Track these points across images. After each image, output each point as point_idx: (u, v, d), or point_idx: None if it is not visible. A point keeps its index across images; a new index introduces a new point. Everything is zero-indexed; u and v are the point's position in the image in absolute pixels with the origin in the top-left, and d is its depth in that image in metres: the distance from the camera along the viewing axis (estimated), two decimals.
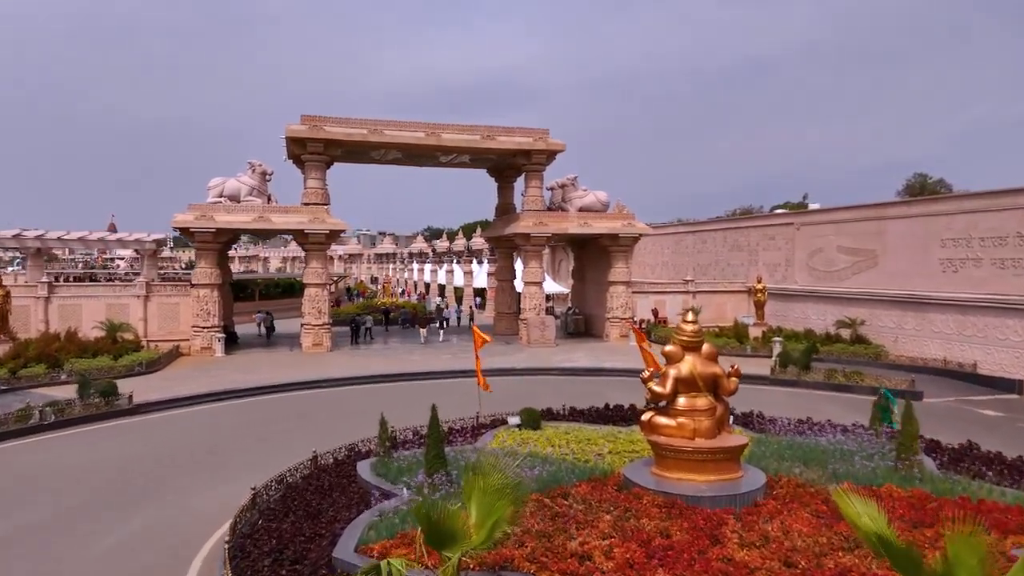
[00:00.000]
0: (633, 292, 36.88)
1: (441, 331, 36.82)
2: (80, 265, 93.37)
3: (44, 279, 31.14)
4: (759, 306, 33.30)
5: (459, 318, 45.18)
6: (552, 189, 37.47)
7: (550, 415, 16.88)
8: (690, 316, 11.67)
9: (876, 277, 30.41)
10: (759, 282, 33.48)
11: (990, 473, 12.17)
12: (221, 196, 31.72)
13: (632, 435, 14.80)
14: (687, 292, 38.68)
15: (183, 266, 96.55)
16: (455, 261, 60.75)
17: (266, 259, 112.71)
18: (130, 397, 19.90)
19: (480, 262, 58.12)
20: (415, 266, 77.12)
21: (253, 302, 47.45)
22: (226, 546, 9.21)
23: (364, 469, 12.40)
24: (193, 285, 30.86)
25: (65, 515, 12.13)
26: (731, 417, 12.68)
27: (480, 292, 56.63)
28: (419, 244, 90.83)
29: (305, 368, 27.02)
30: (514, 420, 15.61)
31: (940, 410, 20.46)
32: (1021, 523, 9.63)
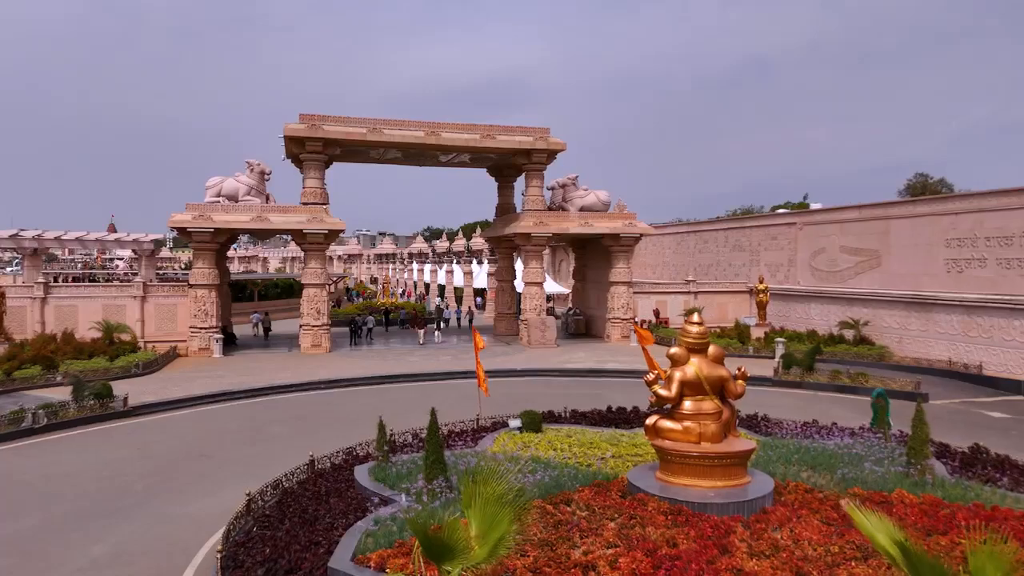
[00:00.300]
0: (634, 292, 36.61)
1: (437, 332, 36.27)
2: (80, 265, 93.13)
3: (40, 279, 30.85)
4: (761, 307, 33.04)
5: (459, 319, 44.92)
6: (552, 189, 37.19)
7: (551, 417, 16.60)
8: (695, 317, 11.38)
9: (880, 277, 30.13)
10: (761, 282, 33.21)
11: (1005, 479, 11.88)
12: (219, 196, 31.46)
13: (635, 438, 14.54)
14: (688, 292, 38.43)
15: (183, 266, 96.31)
16: (455, 261, 60.46)
17: (265, 259, 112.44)
18: (125, 399, 19.61)
19: (480, 262, 57.84)
20: (415, 266, 76.84)
21: (252, 303, 47.17)
22: (218, 555, 8.93)
23: (362, 474, 12.11)
24: (191, 286, 30.58)
25: (55, 521, 11.85)
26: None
27: (480, 292, 56.35)
28: (419, 244, 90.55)
29: (304, 369, 26.74)
30: (515, 423, 15.32)
31: (946, 412, 20.18)
32: None
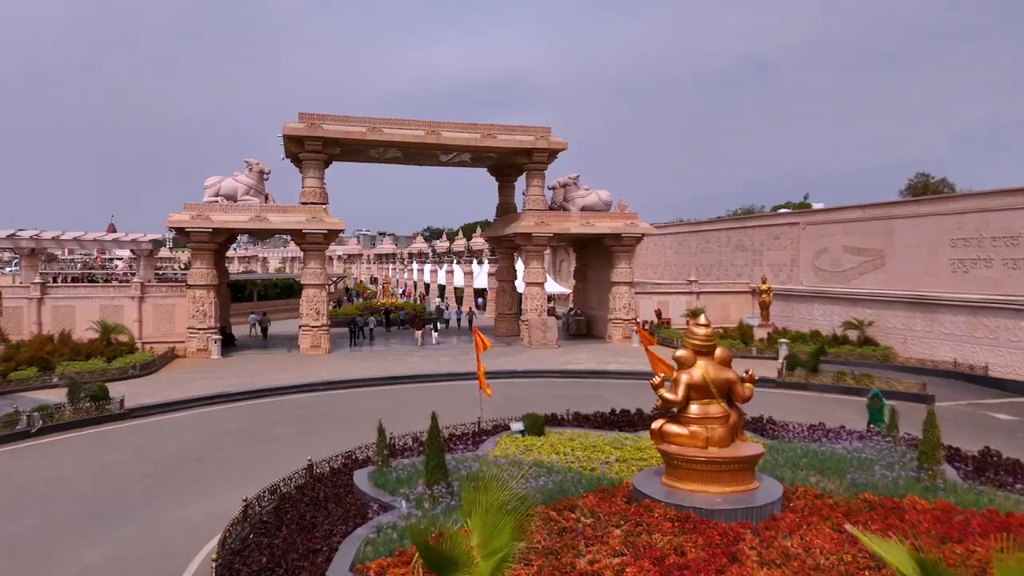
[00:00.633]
0: (636, 293, 36.37)
1: (435, 333, 35.58)
2: (79, 266, 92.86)
3: (37, 280, 30.60)
4: (764, 307, 32.77)
5: (459, 319, 44.66)
6: (553, 188, 36.94)
7: (554, 420, 16.35)
8: (702, 319, 11.14)
9: (884, 277, 29.89)
10: (764, 282, 32.96)
11: (1018, 485, 11.63)
12: (218, 195, 31.21)
13: (639, 441, 14.31)
14: (691, 293, 38.19)
15: (182, 266, 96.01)
16: (455, 262, 60.21)
17: (265, 259, 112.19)
18: (121, 401, 19.37)
19: (480, 263, 57.59)
20: (415, 266, 76.61)
21: (251, 303, 46.92)
22: (214, 564, 8.69)
23: (361, 479, 11.87)
24: (189, 286, 30.33)
25: (49, 526, 11.61)
26: None
27: (481, 293, 56.10)
28: (419, 244, 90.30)
29: (303, 370, 26.50)
30: (517, 426, 15.08)
31: (953, 414, 19.92)
32: None
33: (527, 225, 33.90)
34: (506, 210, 40.07)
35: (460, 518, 9.60)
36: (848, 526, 9.40)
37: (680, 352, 10.93)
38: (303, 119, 31.42)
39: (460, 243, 73.05)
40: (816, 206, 44.45)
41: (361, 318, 38.40)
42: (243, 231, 34.31)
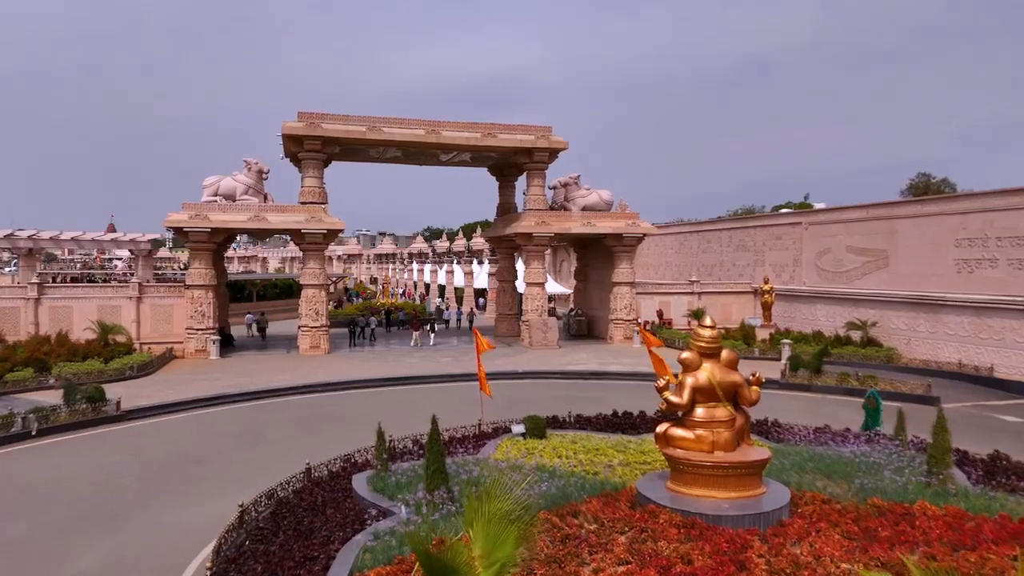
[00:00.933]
0: (637, 293, 36.16)
1: (432, 334, 35.06)
2: (79, 266, 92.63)
3: (34, 280, 30.38)
4: (766, 307, 32.55)
5: (459, 320, 44.42)
6: (554, 188, 36.73)
7: (556, 423, 16.13)
8: (707, 320, 10.92)
9: (887, 278, 29.67)
10: (766, 283, 32.74)
11: None
12: (216, 195, 31.00)
13: (642, 444, 14.09)
14: (692, 293, 37.97)
15: (182, 266, 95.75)
16: (455, 262, 60.00)
17: (264, 259, 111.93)
18: (118, 403, 19.14)
19: (480, 263, 57.37)
20: (415, 267, 76.40)
21: (251, 303, 46.71)
22: (208, 572, 8.47)
23: (360, 483, 11.65)
24: (187, 286, 30.11)
25: (42, 531, 11.39)
26: None
27: (481, 293, 55.88)
28: (419, 244, 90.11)
29: (302, 371, 26.29)
30: (518, 428, 14.86)
31: (959, 416, 19.70)
32: None
33: (528, 225, 33.69)
34: (506, 210, 39.85)
35: (460, 524, 9.40)
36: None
37: (685, 354, 10.70)
38: (302, 118, 31.20)
39: (460, 243, 72.86)
40: (818, 206, 44.28)
41: (362, 318, 38.20)
42: (242, 231, 34.10)
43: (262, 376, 25.16)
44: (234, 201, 30.96)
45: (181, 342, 29.85)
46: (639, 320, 35.39)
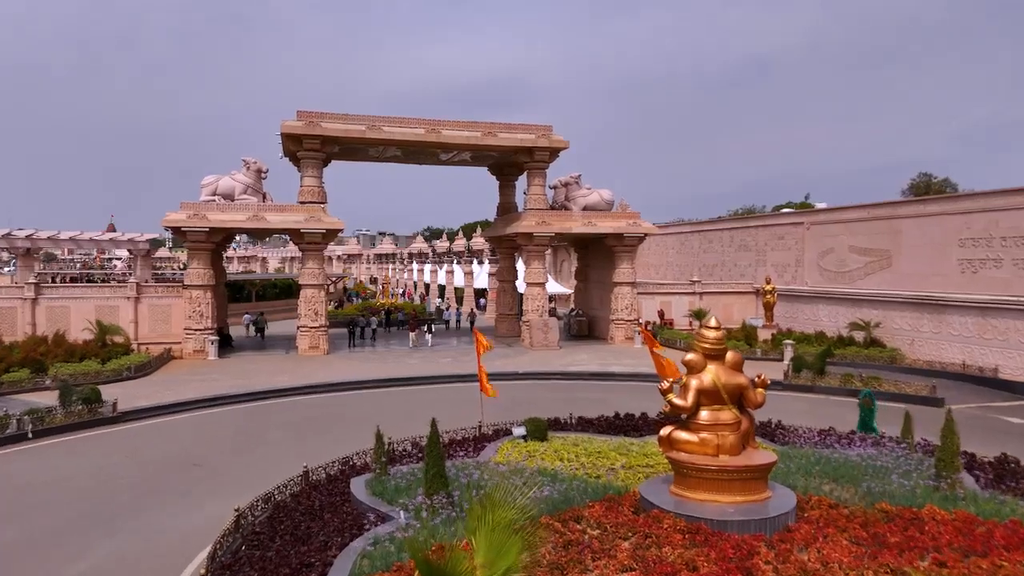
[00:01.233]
0: (638, 293, 35.96)
1: (429, 335, 34.55)
2: (79, 265, 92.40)
3: (31, 280, 30.18)
4: (768, 307, 32.35)
5: (459, 320, 44.19)
6: (555, 188, 36.53)
7: (557, 425, 15.95)
8: (712, 321, 10.72)
9: (890, 278, 29.47)
10: (768, 283, 32.55)
11: None
12: (214, 194, 30.81)
13: (645, 447, 13.89)
14: (694, 293, 37.77)
15: (181, 266, 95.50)
16: (455, 262, 59.80)
17: (264, 259, 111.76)
18: (114, 405, 18.95)
19: (481, 263, 57.17)
20: (415, 267, 76.21)
21: (250, 303, 46.51)
22: None
23: (358, 487, 11.44)
24: (185, 286, 29.92)
25: (35, 535, 11.21)
26: None
27: (481, 293, 55.69)
28: (419, 244, 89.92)
29: (300, 372, 26.10)
30: (519, 430, 14.66)
31: (964, 418, 19.41)
32: None
33: (528, 225, 33.49)
34: (507, 209, 39.66)
35: (460, 529, 9.20)
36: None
37: (690, 356, 10.51)
38: (301, 117, 31.01)
39: (460, 243, 72.62)
40: (819, 205, 44.06)
41: (362, 318, 38.01)
42: (240, 231, 33.92)
43: (260, 377, 24.97)
44: (233, 201, 30.77)
45: (179, 342, 29.66)
46: (639, 319, 35.20)
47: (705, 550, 8.66)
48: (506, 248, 39.67)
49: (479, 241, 63.66)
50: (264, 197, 31.89)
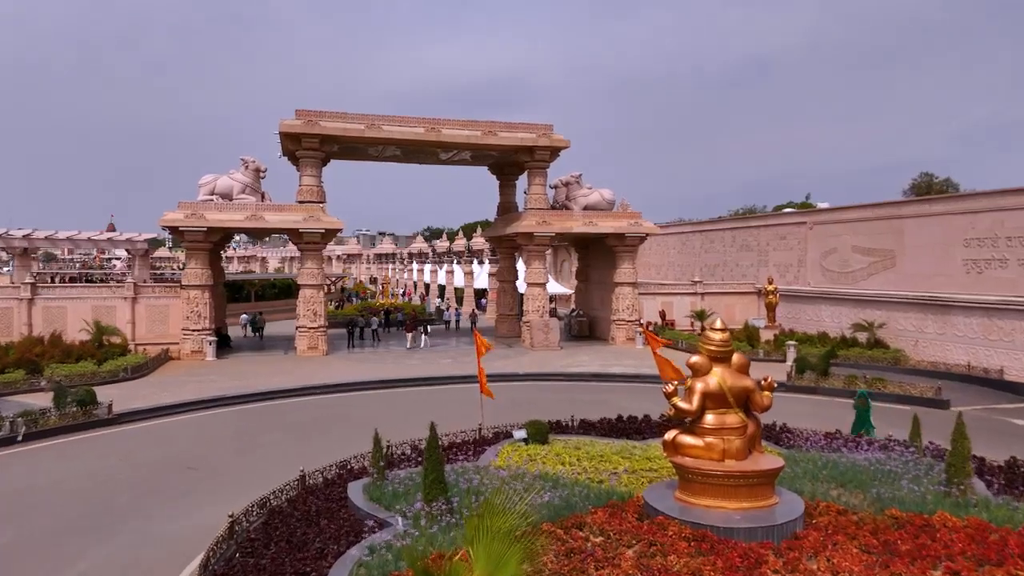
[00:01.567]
0: (639, 293, 35.71)
1: (425, 336, 34.01)
2: (79, 265, 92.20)
3: (28, 280, 29.93)
4: (770, 308, 32.13)
5: (458, 320, 43.90)
6: (555, 187, 36.30)
7: (558, 427, 15.69)
8: (718, 323, 10.47)
9: (894, 278, 29.22)
10: (770, 283, 32.31)
11: None
12: (212, 194, 30.57)
13: (648, 450, 13.66)
14: (695, 294, 37.52)
15: (181, 266, 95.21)
16: (455, 262, 59.56)
17: (264, 259, 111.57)
18: (110, 406, 18.70)
19: (481, 263, 56.92)
20: (415, 267, 76.00)
21: (249, 303, 46.27)
22: None
23: (356, 492, 11.20)
24: (183, 286, 29.68)
25: (25, 541, 10.96)
26: None
27: (481, 293, 55.46)
28: (419, 244, 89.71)
29: (299, 373, 25.85)
30: (519, 434, 14.42)
31: (969, 420, 18.89)
32: None
33: (529, 224, 33.25)
34: (507, 209, 39.41)
35: (460, 537, 8.95)
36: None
37: (695, 358, 10.26)
38: (300, 116, 30.77)
39: (460, 243, 72.40)
40: (821, 205, 43.83)
41: (361, 319, 37.76)
42: (238, 230, 33.68)
43: (258, 378, 24.73)
44: (231, 200, 30.54)
45: (177, 343, 29.41)
46: (642, 321, 34.96)
47: (711, 558, 8.43)
48: (506, 248, 39.42)
49: (479, 241, 63.45)
50: (263, 196, 31.65)
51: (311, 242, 30.89)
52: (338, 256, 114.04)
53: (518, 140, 33.18)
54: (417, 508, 9.90)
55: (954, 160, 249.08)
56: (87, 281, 53.69)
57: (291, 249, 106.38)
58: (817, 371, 23.28)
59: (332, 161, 36.04)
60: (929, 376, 24.42)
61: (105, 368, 24.30)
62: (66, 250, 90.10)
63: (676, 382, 10.99)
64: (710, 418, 10.03)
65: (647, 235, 35.34)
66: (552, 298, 43.03)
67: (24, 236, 39.09)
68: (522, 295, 36.42)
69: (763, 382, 10.38)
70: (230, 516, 10.00)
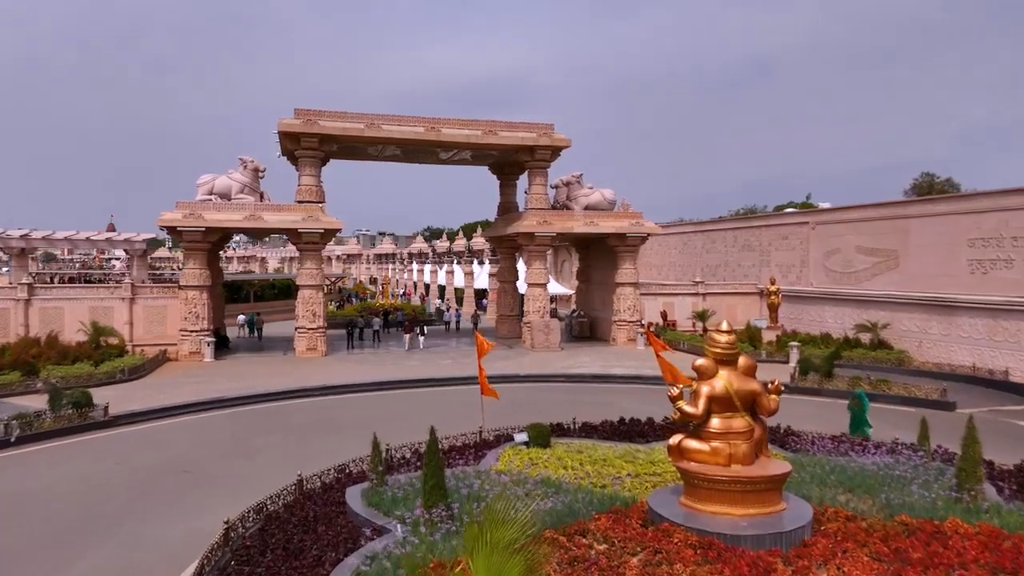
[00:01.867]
0: (640, 294, 35.49)
1: (421, 338, 33.67)
2: (78, 266, 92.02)
3: (24, 280, 29.71)
4: (773, 308, 31.91)
5: (458, 321, 43.65)
6: (556, 187, 36.09)
7: (560, 430, 15.46)
8: (724, 325, 10.24)
9: (898, 278, 29.00)
10: (772, 283, 32.08)
11: None
12: (211, 194, 30.36)
13: (652, 454, 13.42)
14: (697, 294, 37.31)
15: (180, 266, 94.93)
16: (455, 262, 59.33)
17: (264, 259, 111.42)
18: (106, 408, 18.47)
19: (481, 263, 56.70)
20: (415, 267, 75.79)
21: (248, 304, 46.06)
22: None
23: (354, 498, 10.97)
24: (181, 287, 29.46)
25: (14, 548, 10.73)
26: None
27: (482, 294, 55.24)
28: (419, 244, 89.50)
29: (298, 374, 25.63)
30: (521, 437, 14.17)
31: (976, 423, 19.00)
32: None
33: (529, 224, 33.02)
34: (507, 209, 39.19)
35: (460, 545, 8.72)
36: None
37: (701, 361, 10.04)
38: (299, 115, 30.55)
39: (460, 243, 72.17)
40: (823, 205, 43.63)
41: (361, 319, 37.53)
42: (237, 230, 33.47)
43: (257, 380, 24.51)
44: (229, 200, 30.32)
45: (175, 344, 29.20)
46: (641, 321, 34.74)
47: (719, 567, 8.19)
48: (507, 248, 39.21)
49: (479, 241, 63.22)
50: (261, 196, 31.44)
51: (310, 242, 30.67)
52: (338, 256, 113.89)
53: (519, 139, 32.96)
54: (417, 514, 9.67)
55: (954, 160, 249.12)
56: (86, 281, 53.50)
57: (291, 249, 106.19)
58: (821, 372, 23.05)
59: (331, 161, 35.82)
60: (934, 377, 24.18)
61: (102, 369, 24.08)
62: (66, 250, 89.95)
63: (681, 386, 10.75)
64: (716, 422, 9.80)
65: (648, 235, 35.12)
66: (553, 298, 42.80)
67: (21, 236, 38.88)
68: (522, 295, 36.20)
69: (770, 385, 10.16)
70: (225, 522, 9.77)
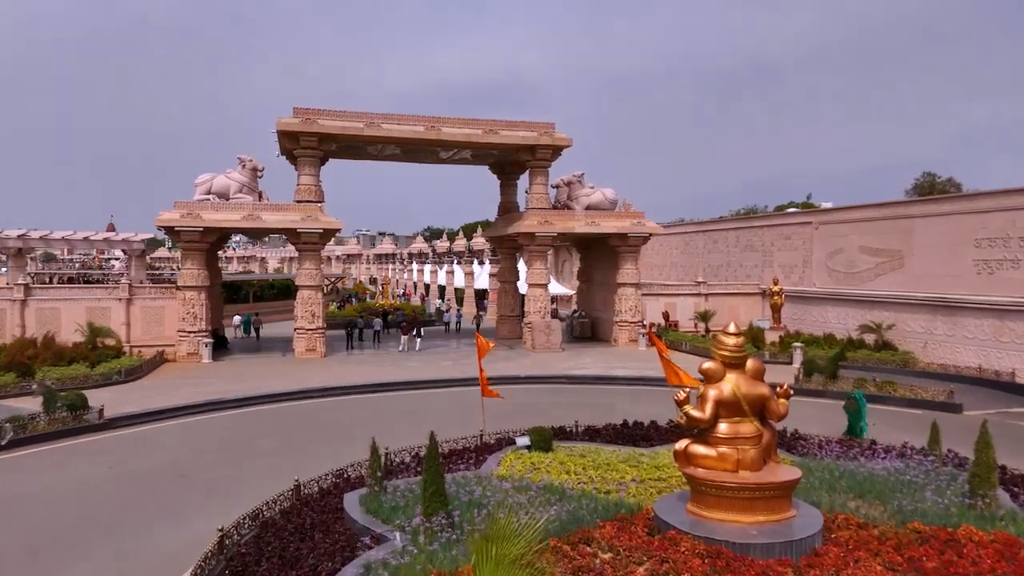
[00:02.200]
0: (642, 294, 35.23)
1: (418, 339, 33.20)
2: (78, 266, 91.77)
3: (21, 280, 29.44)
4: (776, 309, 31.63)
5: (459, 322, 43.37)
6: (557, 187, 35.82)
7: (562, 434, 15.18)
8: (731, 328, 9.98)
9: (902, 279, 28.72)
10: (775, 284, 31.82)
11: None
12: (209, 193, 30.10)
13: (656, 459, 13.16)
14: (699, 294, 37.04)
15: (179, 266, 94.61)
16: (455, 262, 59.06)
17: (263, 259, 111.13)
18: (101, 411, 18.20)
19: (481, 263, 56.43)
20: (415, 267, 75.52)
21: (247, 304, 45.81)
22: None
23: (352, 505, 10.71)
24: (179, 287, 29.21)
25: (2, 554, 10.45)
26: None
27: (482, 294, 54.96)
28: (419, 244, 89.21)
29: (296, 376, 25.36)
30: (522, 440, 13.91)
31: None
32: None
33: (530, 224, 32.76)
34: (508, 209, 38.93)
35: (460, 554, 8.47)
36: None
37: (708, 364, 9.78)
38: (298, 114, 30.29)
39: (461, 243, 71.88)
40: (825, 205, 43.32)
41: (361, 320, 37.28)
42: (236, 230, 33.21)
43: (255, 381, 24.24)
44: (228, 200, 30.06)
45: (172, 345, 28.94)
46: (644, 322, 34.47)
47: None
48: (507, 248, 38.95)
49: (480, 241, 62.93)
50: (260, 196, 31.18)
51: (309, 242, 30.41)
52: (337, 256, 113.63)
53: (519, 139, 32.70)
54: (416, 522, 9.40)
55: (955, 160, 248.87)
56: (85, 281, 53.27)
57: (291, 249, 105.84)
58: (826, 374, 22.77)
59: (331, 160, 35.58)
60: (939, 379, 23.92)
61: (98, 371, 23.82)
62: (65, 250, 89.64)
63: (687, 389, 10.49)
64: (724, 427, 9.54)
65: (650, 235, 34.87)
66: (554, 299, 42.53)
67: (19, 236, 38.63)
68: (523, 296, 35.93)
69: (779, 389, 9.91)
70: (220, 530, 9.51)
